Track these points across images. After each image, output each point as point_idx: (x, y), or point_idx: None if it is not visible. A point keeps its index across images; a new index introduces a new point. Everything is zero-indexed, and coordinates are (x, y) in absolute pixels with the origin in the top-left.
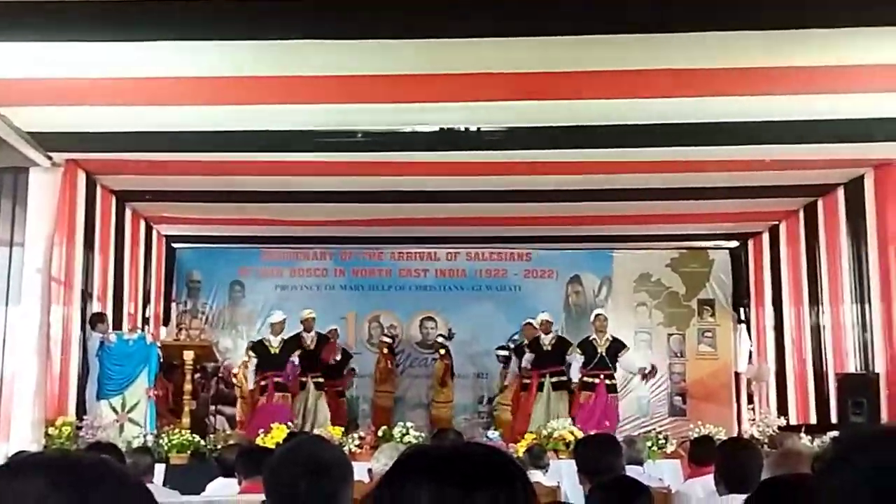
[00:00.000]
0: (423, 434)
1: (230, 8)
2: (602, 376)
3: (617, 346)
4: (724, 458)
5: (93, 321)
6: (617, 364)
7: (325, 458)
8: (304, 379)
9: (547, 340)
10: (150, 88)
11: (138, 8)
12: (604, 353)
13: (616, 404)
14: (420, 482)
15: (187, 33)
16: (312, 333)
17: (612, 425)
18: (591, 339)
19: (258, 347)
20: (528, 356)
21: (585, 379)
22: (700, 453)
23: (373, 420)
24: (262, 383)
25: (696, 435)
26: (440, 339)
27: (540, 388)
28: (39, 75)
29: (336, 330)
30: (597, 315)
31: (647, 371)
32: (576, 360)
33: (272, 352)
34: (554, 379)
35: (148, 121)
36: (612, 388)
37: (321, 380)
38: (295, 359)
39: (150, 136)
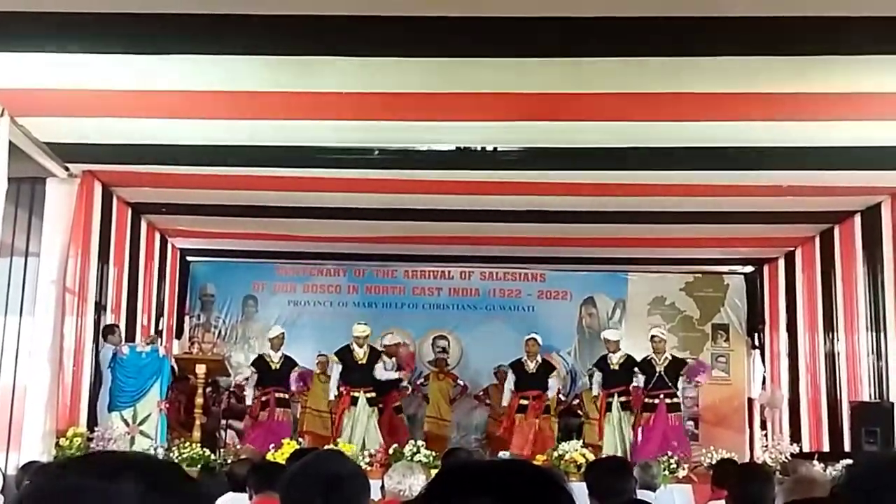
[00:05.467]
0: (433, 452)
1: (249, 23)
2: (662, 396)
3: (677, 365)
4: (738, 485)
5: (104, 333)
6: (679, 382)
7: (340, 473)
8: (355, 394)
9: (615, 360)
10: (169, 101)
11: (158, 21)
12: (662, 372)
13: (681, 423)
14: (469, 496)
15: (205, 47)
16: (365, 347)
17: (682, 446)
18: (649, 358)
19: (259, 363)
20: (597, 376)
21: (646, 400)
22: (722, 476)
23: None
24: (263, 398)
25: (708, 460)
26: (442, 355)
27: (608, 408)
28: (58, 86)
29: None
30: (652, 336)
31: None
32: (637, 380)
33: (273, 367)
34: (622, 399)
35: (165, 134)
36: (675, 407)
37: (374, 394)
38: (294, 374)
39: (167, 149)
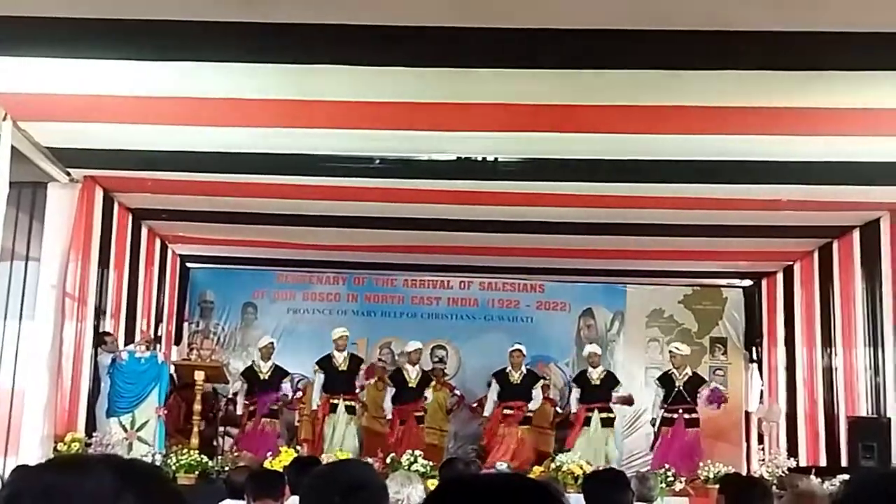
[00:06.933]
0: (430, 462)
1: (252, 30)
2: (681, 411)
3: (696, 381)
4: (735, 493)
5: (99, 341)
6: (698, 398)
7: (360, 479)
8: (334, 401)
9: (595, 375)
10: (171, 108)
11: (161, 27)
12: (682, 388)
13: (698, 438)
14: None
15: (208, 54)
16: (345, 353)
17: (697, 460)
18: (669, 373)
19: (248, 373)
20: (575, 391)
21: (665, 414)
22: (725, 486)
23: (366, 447)
24: (251, 409)
25: (705, 473)
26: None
27: (587, 422)
28: (60, 91)
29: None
30: (671, 352)
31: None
32: (658, 395)
33: (261, 377)
34: (603, 415)
35: (167, 140)
36: (693, 423)
37: (353, 403)
38: (286, 385)
39: (168, 156)
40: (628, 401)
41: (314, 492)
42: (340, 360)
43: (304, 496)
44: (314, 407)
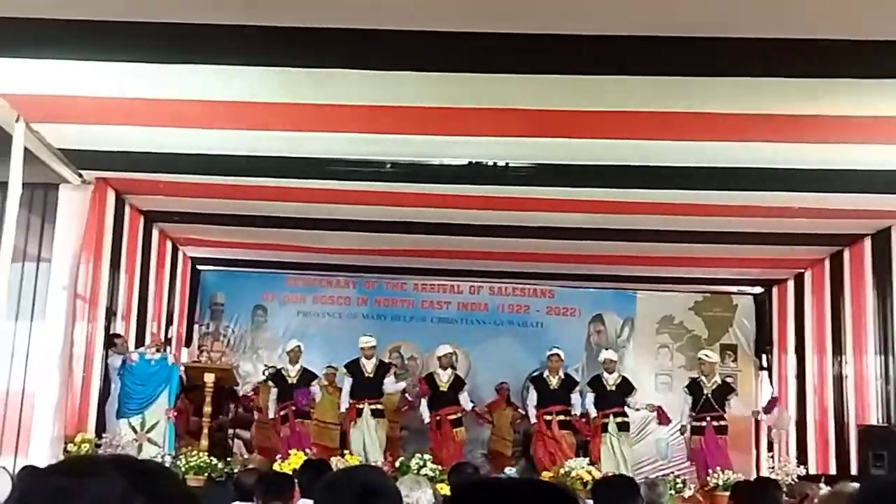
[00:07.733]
0: (439, 466)
1: (263, 34)
2: (709, 418)
3: (725, 389)
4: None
5: (109, 343)
6: (726, 406)
7: (375, 485)
8: (360, 406)
9: (611, 380)
10: (183, 111)
11: (174, 30)
12: (710, 396)
13: (726, 446)
14: None
15: (220, 58)
16: (373, 361)
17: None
18: (698, 380)
19: (276, 377)
20: (590, 395)
21: (694, 423)
22: (735, 493)
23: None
24: (283, 413)
25: (714, 481)
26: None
27: (604, 428)
28: (73, 93)
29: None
30: (700, 359)
31: None
32: (686, 402)
33: (290, 381)
34: (619, 419)
35: (179, 143)
36: (722, 430)
37: (379, 407)
38: (316, 388)
39: (180, 158)
40: (661, 418)
41: (328, 496)
42: (370, 368)
43: (317, 501)
44: (342, 409)
